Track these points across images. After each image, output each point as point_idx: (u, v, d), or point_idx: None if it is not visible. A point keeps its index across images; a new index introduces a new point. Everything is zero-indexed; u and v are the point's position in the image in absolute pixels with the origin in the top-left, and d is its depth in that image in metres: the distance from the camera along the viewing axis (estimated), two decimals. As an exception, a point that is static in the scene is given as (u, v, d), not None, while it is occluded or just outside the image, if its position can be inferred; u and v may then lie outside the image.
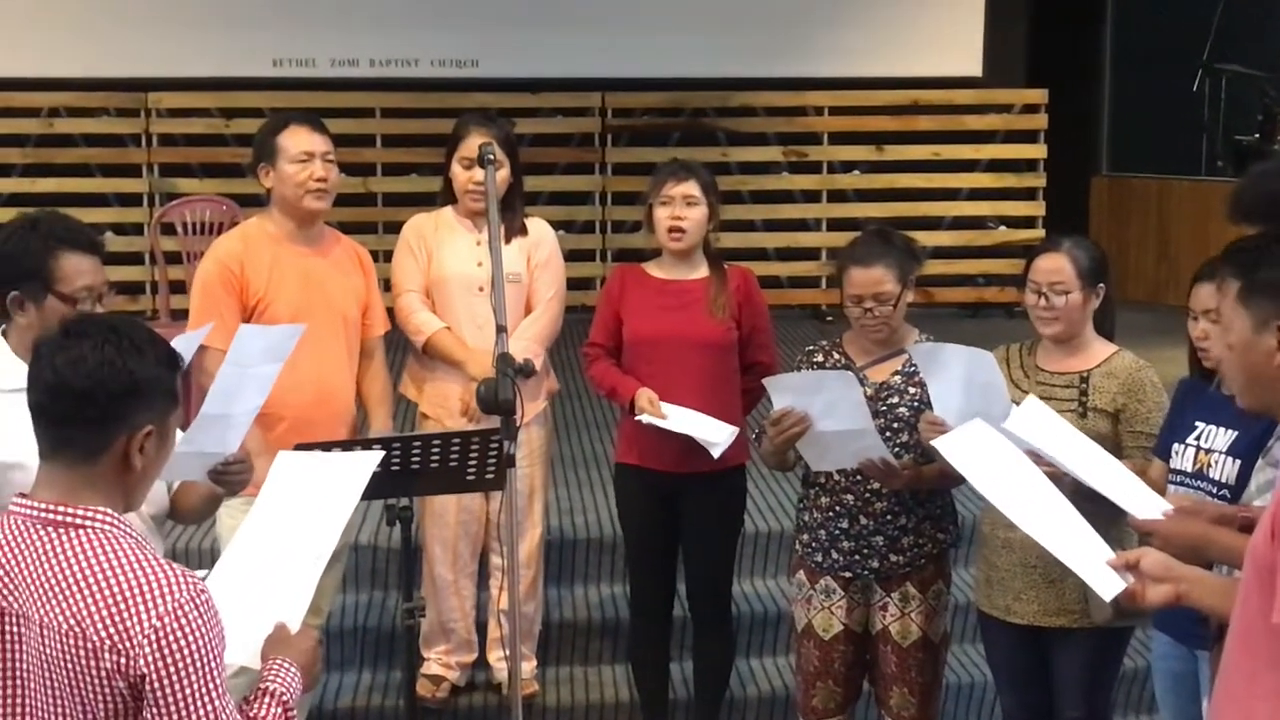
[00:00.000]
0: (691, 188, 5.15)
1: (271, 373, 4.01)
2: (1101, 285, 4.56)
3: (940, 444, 3.95)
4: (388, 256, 5.45)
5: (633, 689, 5.75)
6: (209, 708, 2.55)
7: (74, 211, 4.04)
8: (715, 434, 5.03)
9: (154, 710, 2.52)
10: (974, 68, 11.83)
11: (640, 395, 5.08)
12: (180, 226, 9.50)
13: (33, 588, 2.59)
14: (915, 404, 4.67)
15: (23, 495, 2.67)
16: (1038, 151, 11.76)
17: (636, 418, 5.08)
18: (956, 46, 11.79)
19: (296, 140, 5.00)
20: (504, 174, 5.33)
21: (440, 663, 5.76)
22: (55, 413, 2.64)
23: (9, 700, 2.64)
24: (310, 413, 4.88)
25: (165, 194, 10.82)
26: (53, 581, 2.57)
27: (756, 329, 5.26)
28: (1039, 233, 11.39)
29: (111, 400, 2.61)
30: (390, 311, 5.42)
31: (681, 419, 5.05)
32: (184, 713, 2.52)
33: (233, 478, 3.90)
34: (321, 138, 5.05)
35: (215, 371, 3.93)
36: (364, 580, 6.24)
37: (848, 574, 4.77)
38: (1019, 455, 3.82)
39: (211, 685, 2.56)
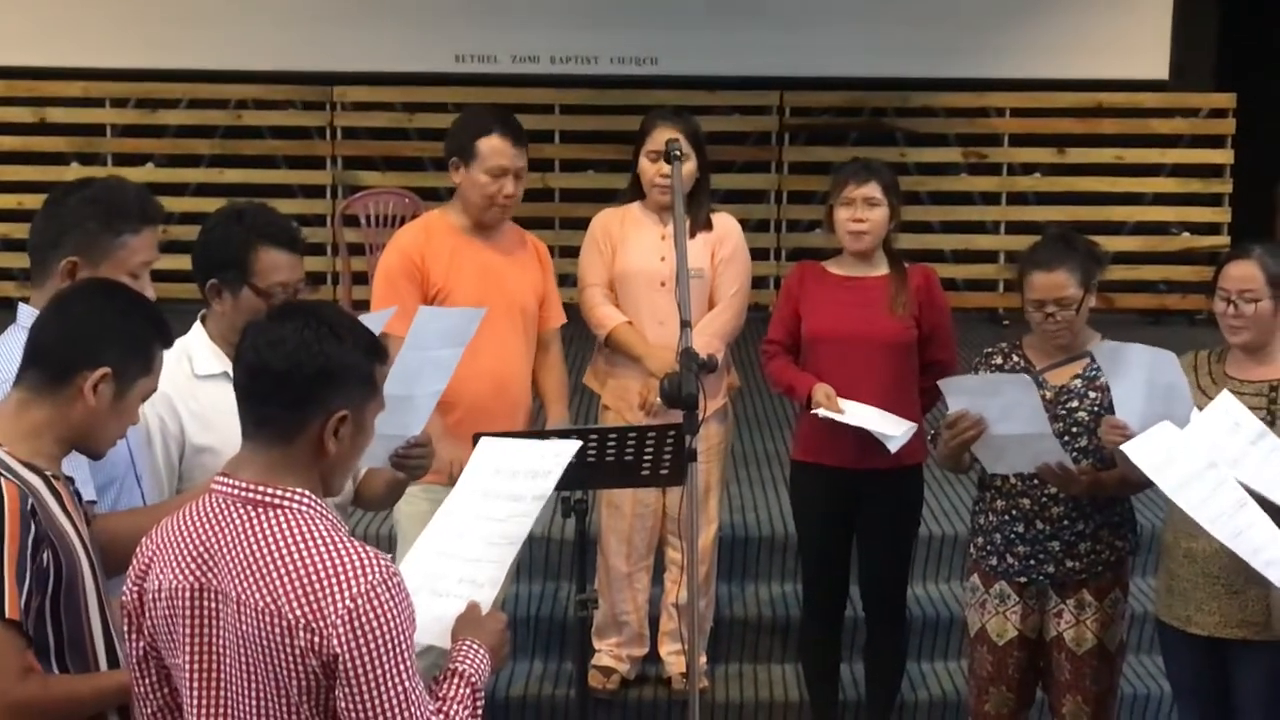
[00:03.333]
0: (873, 189, 5.12)
1: (453, 356, 4.05)
2: (1293, 293, 4.47)
3: (1128, 448, 3.89)
4: (564, 252, 5.51)
5: (803, 688, 5.74)
6: (399, 688, 2.59)
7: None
8: (892, 428, 5.00)
9: (345, 689, 2.58)
10: (1160, 70, 11.59)
11: (817, 390, 5.06)
12: (363, 218, 9.71)
13: (231, 565, 2.66)
14: (1095, 408, 4.60)
15: (225, 474, 2.74)
16: (1224, 157, 11.53)
17: (812, 412, 5.08)
18: (1142, 48, 11.58)
19: (495, 152, 5.01)
20: (690, 168, 5.34)
21: (611, 654, 5.80)
22: (255, 392, 2.71)
23: (206, 674, 2.70)
24: (487, 402, 4.92)
25: (348, 186, 11.03)
26: (250, 559, 2.63)
27: (937, 327, 5.22)
28: (1224, 239, 11.17)
29: (307, 382, 2.67)
30: (569, 305, 5.46)
31: (858, 413, 5.02)
32: (374, 692, 2.57)
33: (414, 462, 3.96)
34: (518, 151, 5.06)
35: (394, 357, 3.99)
36: (537, 571, 6.31)
37: (1023, 579, 4.72)
38: (1209, 460, 3.76)
39: (402, 666, 2.60)
